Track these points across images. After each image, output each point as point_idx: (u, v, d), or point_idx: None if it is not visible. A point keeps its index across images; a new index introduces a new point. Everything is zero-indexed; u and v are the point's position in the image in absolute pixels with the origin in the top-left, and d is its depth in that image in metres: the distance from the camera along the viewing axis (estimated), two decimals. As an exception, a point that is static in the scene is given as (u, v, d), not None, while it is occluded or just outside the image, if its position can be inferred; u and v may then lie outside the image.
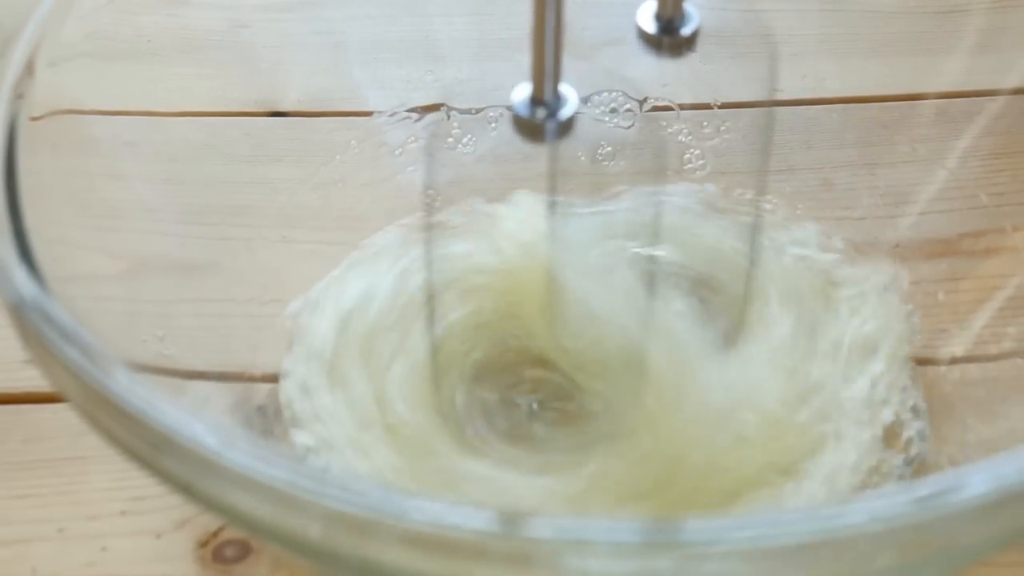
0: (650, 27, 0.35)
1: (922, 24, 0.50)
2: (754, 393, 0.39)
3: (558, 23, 0.32)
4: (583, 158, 0.48)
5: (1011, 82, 0.46)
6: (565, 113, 0.34)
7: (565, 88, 0.34)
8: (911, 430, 0.40)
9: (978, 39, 0.47)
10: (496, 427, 0.40)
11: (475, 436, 0.40)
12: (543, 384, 0.41)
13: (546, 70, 0.33)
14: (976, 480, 0.27)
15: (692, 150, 0.49)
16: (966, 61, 0.47)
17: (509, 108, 0.34)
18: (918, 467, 0.39)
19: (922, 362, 0.42)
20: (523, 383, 0.41)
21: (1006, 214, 0.45)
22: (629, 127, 0.48)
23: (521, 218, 0.43)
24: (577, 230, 0.42)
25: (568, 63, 0.33)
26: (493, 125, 0.48)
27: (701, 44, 0.35)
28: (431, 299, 0.41)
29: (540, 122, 0.34)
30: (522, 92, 0.34)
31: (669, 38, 0.35)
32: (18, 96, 0.37)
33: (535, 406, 0.41)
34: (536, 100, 0.34)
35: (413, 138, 0.49)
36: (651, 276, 0.40)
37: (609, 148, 0.48)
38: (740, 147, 0.49)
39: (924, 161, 0.47)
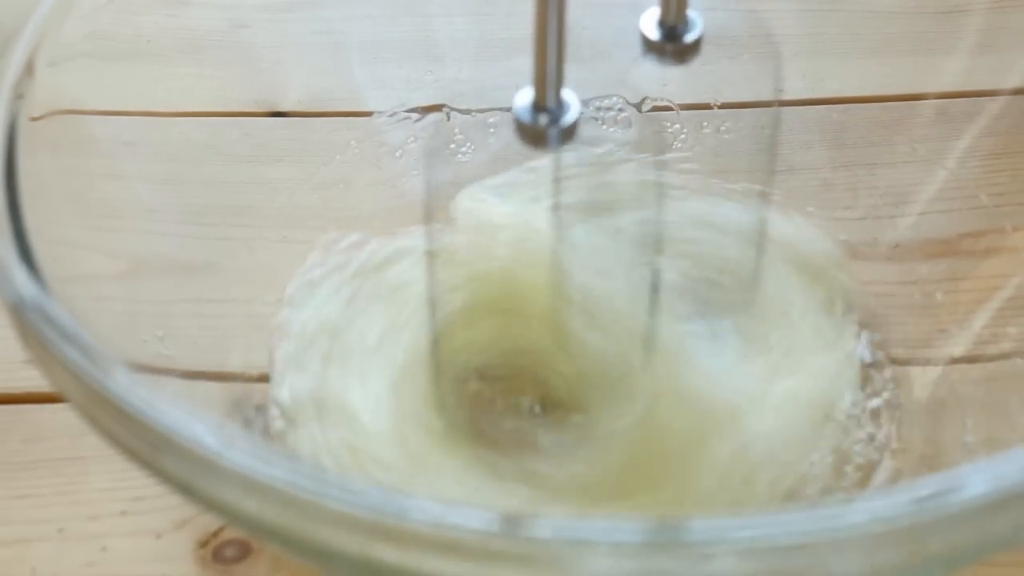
0: (653, 34, 0.35)
1: (922, 24, 0.50)
2: (755, 398, 0.39)
3: (560, 28, 0.32)
4: (580, 161, 0.47)
5: (1011, 82, 0.46)
6: (568, 119, 0.34)
7: (567, 94, 0.34)
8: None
9: (978, 39, 0.47)
10: (497, 432, 0.40)
11: (476, 439, 0.39)
12: (545, 391, 0.41)
13: (548, 76, 0.33)
14: (976, 480, 0.27)
15: (691, 151, 0.49)
16: (966, 61, 0.47)
17: (509, 111, 0.34)
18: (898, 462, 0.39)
19: (922, 362, 0.42)
20: (525, 389, 0.41)
21: (1006, 214, 0.45)
22: (627, 131, 0.48)
23: (523, 224, 0.43)
24: (579, 235, 0.42)
25: (569, 68, 0.33)
26: (492, 131, 0.48)
27: (702, 45, 0.35)
28: (432, 304, 0.40)
29: (543, 128, 0.34)
30: (524, 98, 0.34)
31: (672, 45, 0.35)
32: (18, 96, 0.37)
33: (537, 411, 0.41)
34: (539, 106, 0.34)
35: (413, 138, 0.49)
36: (652, 281, 0.40)
37: (606, 152, 0.48)
38: (740, 148, 0.49)
39: (924, 161, 0.47)
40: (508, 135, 0.34)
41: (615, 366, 0.39)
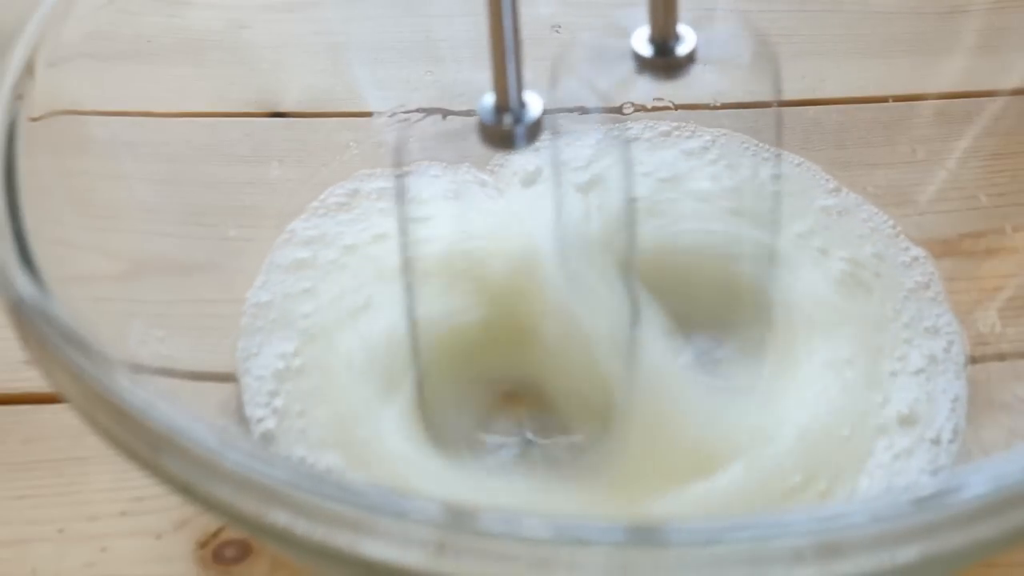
0: (645, 51, 0.35)
1: (922, 24, 0.50)
2: (736, 426, 0.39)
3: (516, 30, 0.33)
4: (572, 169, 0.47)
5: (1011, 82, 0.46)
6: (531, 117, 0.34)
7: (529, 95, 0.34)
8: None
9: (978, 39, 0.47)
10: (483, 457, 0.40)
11: (463, 465, 0.39)
12: (531, 416, 0.41)
13: (509, 77, 0.34)
14: (976, 480, 0.27)
15: (691, 151, 0.49)
16: (966, 61, 0.47)
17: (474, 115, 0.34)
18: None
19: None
20: (510, 415, 0.41)
21: (1006, 214, 0.45)
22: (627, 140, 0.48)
23: (515, 239, 0.43)
24: (567, 251, 0.42)
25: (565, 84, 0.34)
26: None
27: (695, 58, 0.35)
28: (414, 327, 0.40)
29: (508, 128, 0.34)
30: (487, 101, 0.34)
31: (664, 60, 0.35)
32: (18, 96, 0.37)
33: (528, 436, 0.40)
34: (501, 107, 0.34)
35: (413, 139, 0.49)
36: (636, 298, 0.39)
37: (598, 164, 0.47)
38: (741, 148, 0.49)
39: (924, 161, 0.47)
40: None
41: (601, 393, 0.39)
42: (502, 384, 0.41)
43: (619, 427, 0.38)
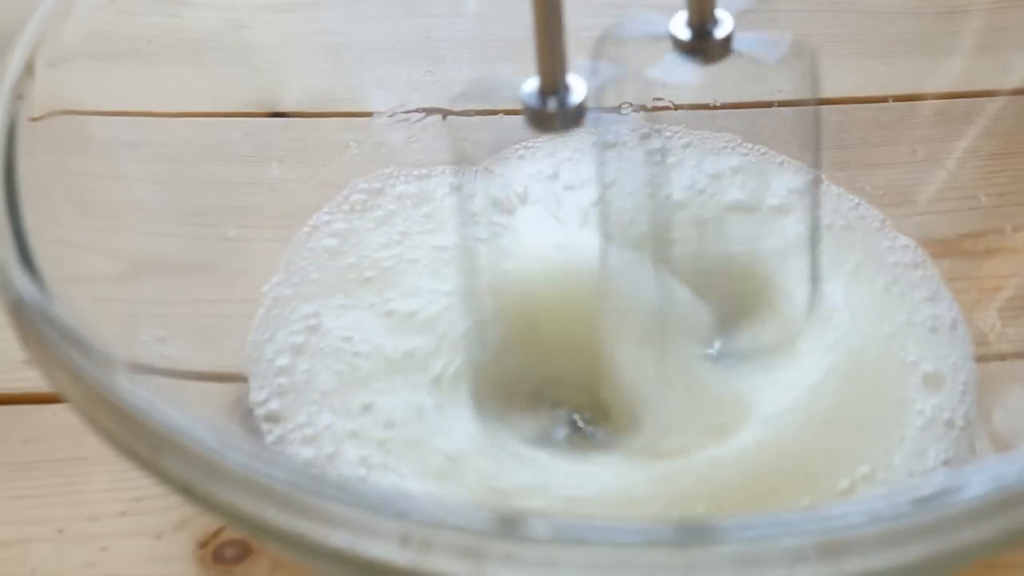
0: (684, 35, 0.35)
1: (922, 24, 0.50)
2: (782, 419, 0.39)
3: (559, 11, 0.33)
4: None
5: (1011, 82, 0.46)
6: (574, 101, 0.34)
7: (573, 79, 0.34)
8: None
9: (978, 39, 0.47)
10: (536, 444, 0.40)
11: (517, 452, 0.39)
12: (584, 405, 0.40)
13: (553, 60, 0.33)
14: (976, 480, 0.27)
15: (695, 154, 0.49)
16: (966, 61, 0.47)
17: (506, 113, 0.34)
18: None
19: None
20: (562, 402, 0.41)
21: (1006, 214, 0.45)
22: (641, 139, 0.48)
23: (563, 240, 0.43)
24: (612, 255, 0.41)
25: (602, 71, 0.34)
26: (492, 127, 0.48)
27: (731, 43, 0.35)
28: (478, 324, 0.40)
29: (552, 112, 0.34)
30: (531, 85, 0.34)
31: (703, 44, 0.35)
32: (18, 96, 0.37)
33: (580, 423, 0.40)
34: (546, 91, 0.34)
35: (413, 139, 0.49)
36: (673, 295, 0.39)
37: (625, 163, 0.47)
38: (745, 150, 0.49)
39: (924, 161, 0.47)
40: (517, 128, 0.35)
41: (656, 386, 0.39)
42: (540, 383, 0.41)
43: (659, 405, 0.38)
